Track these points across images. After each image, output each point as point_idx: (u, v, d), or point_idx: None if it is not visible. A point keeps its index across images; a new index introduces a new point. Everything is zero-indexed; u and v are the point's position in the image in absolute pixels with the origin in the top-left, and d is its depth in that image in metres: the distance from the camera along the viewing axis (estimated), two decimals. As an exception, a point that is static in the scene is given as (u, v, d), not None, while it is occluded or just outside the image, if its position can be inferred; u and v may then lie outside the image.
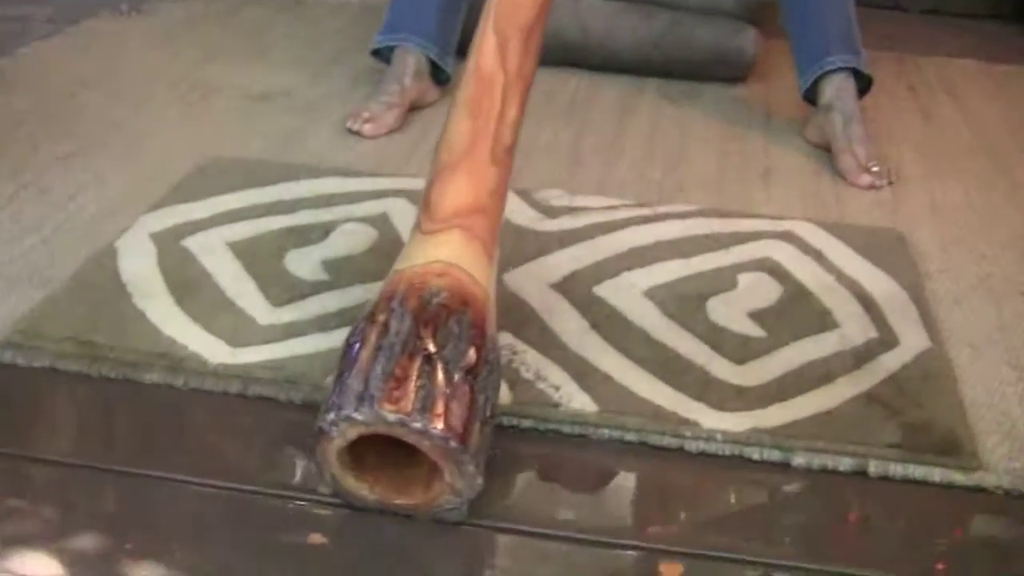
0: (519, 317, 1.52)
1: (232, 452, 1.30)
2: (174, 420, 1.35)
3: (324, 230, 1.72)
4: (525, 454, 1.32)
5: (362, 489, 1.21)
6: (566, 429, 1.35)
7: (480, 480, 1.17)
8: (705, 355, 1.48)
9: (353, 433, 1.15)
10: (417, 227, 1.33)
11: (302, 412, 1.35)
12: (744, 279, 1.67)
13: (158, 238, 1.67)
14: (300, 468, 1.26)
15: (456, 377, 1.16)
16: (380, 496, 1.21)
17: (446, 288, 1.24)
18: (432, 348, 1.17)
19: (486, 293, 1.28)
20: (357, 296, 1.55)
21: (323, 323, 1.50)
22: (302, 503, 1.23)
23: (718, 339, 1.52)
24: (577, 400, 1.38)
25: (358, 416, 1.13)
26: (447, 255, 1.28)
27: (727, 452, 1.34)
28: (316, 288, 1.57)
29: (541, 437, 1.35)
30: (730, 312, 1.58)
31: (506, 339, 1.46)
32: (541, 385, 1.40)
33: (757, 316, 1.58)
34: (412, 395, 1.13)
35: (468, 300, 1.24)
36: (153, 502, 1.22)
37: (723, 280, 1.66)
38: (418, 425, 1.12)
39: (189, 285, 1.56)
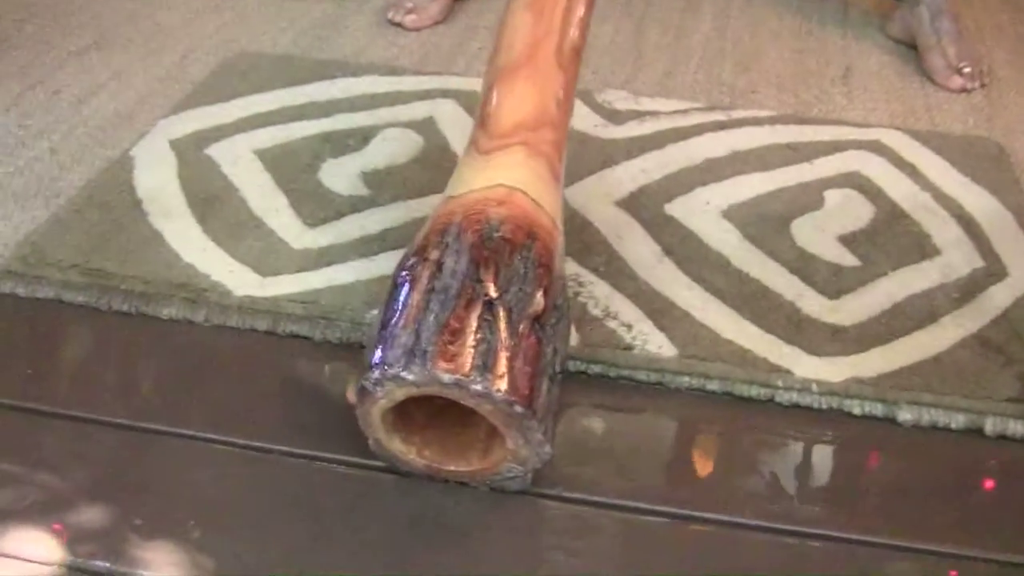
0: (584, 241, 1.33)
1: (260, 403, 1.12)
2: (193, 363, 1.16)
3: (363, 136, 1.52)
4: (594, 405, 1.13)
5: (410, 453, 1.03)
6: (640, 376, 1.16)
7: (549, 448, 0.98)
8: (794, 288, 1.28)
9: (401, 394, 0.96)
10: (473, 144, 1.13)
11: (340, 353, 1.17)
12: (831, 197, 1.47)
13: (179, 145, 1.48)
14: (337, 423, 1.07)
15: (521, 327, 0.97)
16: (431, 461, 1.03)
17: (508, 218, 1.04)
18: (493, 293, 0.98)
19: (553, 222, 1.08)
20: (400, 215, 1.35)
21: (363, 248, 1.30)
22: (339, 466, 1.05)
23: (807, 268, 1.32)
24: (653, 342, 1.19)
25: (408, 376, 0.94)
26: (508, 178, 1.08)
27: (823, 405, 1.15)
28: (355, 205, 1.37)
29: (612, 385, 1.16)
30: (818, 236, 1.38)
31: (570, 267, 1.27)
32: (611, 324, 1.21)
33: (849, 241, 1.38)
34: (471, 351, 0.95)
35: (534, 232, 1.04)
36: (168, 463, 1.04)
37: (808, 198, 1.46)
38: (478, 387, 0.93)
39: (212, 201, 1.37)
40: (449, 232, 1.03)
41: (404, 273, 1.02)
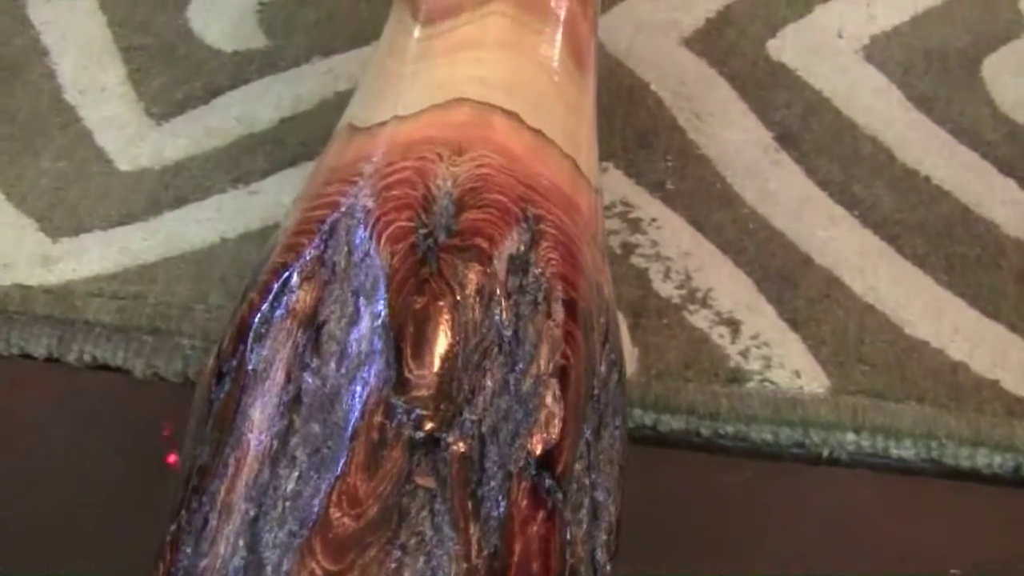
0: (634, 125, 0.70)
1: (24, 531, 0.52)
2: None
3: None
4: (672, 517, 0.52)
5: None
6: (763, 434, 0.55)
7: None
8: (1019, 206, 0.65)
9: None
10: (404, 3, 0.48)
11: (181, 403, 0.54)
12: (1034, 11, 0.81)
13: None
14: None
15: (511, 495, 0.35)
16: None
17: (476, 189, 0.41)
18: (431, 422, 0.35)
19: (576, 171, 0.45)
20: (317, 87, 0.72)
21: (242, 161, 0.70)
22: None
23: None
24: (782, 359, 0.58)
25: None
26: (479, 79, 0.45)
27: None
28: (239, 71, 0.75)
29: (704, 457, 0.55)
30: (1032, 88, 0.74)
31: (611, 182, 0.64)
32: (698, 318, 0.59)
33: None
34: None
35: (533, 214, 0.42)
36: None
37: (997, 16, 0.81)
38: None
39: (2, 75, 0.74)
40: (341, 230, 0.40)
41: (231, 355, 0.39)
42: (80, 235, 0.64)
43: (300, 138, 0.70)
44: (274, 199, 0.66)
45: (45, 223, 0.65)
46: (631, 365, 0.57)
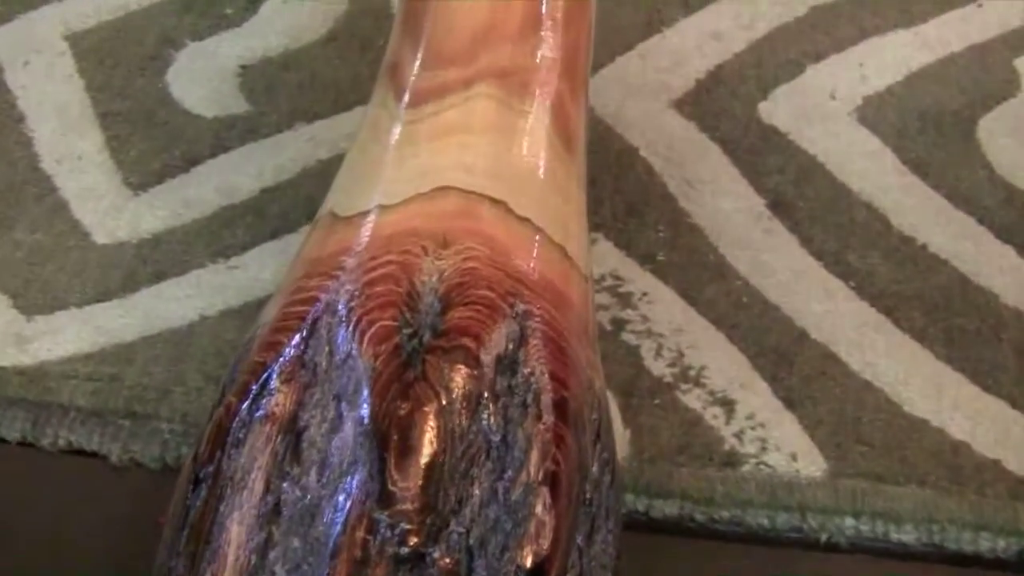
0: (624, 193, 0.69)
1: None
2: None
3: (249, -3, 0.85)
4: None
5: None
6: (758, 519, 0.53)
7: None
8: (1018, 275, 0.64)
9: None
10: (388, 82, 0.48)
11: (163, 489, 0.53)
12: (1032, 68, 0.80)
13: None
14: None
15: None
16: None
17: (462, 285, 0.40)
18: (416, 536, 0.34)
19: (566, 259, 0.43)
20: (300, 154, 0.71)
21: (223, 235, 0.68)
22: None
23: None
24: (778, 441, 0.56)
25: None
26: (465, 167, 0.43)
27: None
28: (219, 138, 0.73)
29: (703, 549, 0.54)
30: (1027, 150, 0.73)
31: (601, 254, 0.63)
32: (691, 398, 0.58)
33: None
34: None
35: (522, 310, 0.40)
36: None
37: (992, 74, 0.80)
38: None
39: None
40: (322, 329, 0.39)
41: (208, 460, 0.38)
42: (55, 312, 0.63)
43: (281, 209, 0.68)
44: (254, 274, 0.64)
45: (19, 299, 0.64)
46: (623, 448, 0.56)
